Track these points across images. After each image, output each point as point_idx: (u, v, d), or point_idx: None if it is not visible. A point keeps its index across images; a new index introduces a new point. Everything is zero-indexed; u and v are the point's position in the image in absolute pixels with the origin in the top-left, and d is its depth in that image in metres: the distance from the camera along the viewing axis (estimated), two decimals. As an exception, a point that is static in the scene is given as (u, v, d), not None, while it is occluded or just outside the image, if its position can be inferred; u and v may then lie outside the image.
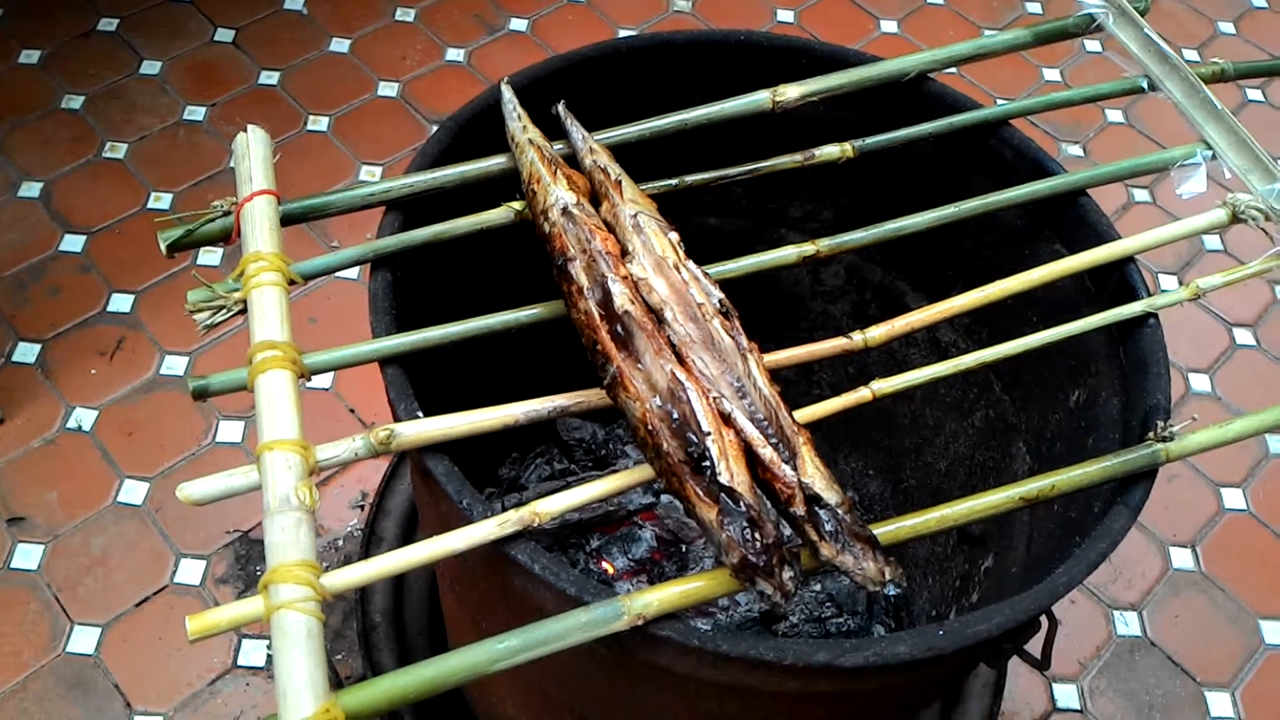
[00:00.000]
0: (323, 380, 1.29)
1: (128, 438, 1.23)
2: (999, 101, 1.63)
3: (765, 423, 0.55)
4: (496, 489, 1.04)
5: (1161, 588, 1.22)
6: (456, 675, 0.49)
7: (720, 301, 0.59)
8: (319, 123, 1.52)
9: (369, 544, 0.98)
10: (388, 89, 1.56)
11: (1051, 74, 1.69)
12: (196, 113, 1.51)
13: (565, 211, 0.60)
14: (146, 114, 1.50)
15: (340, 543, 1.15)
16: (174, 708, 1.06)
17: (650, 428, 0.54)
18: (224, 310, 0.59)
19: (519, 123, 0.66)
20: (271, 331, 0.57)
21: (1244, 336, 1.43)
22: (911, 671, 0.55)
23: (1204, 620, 1.20)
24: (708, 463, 0.52)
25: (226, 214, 0.62)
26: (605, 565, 0.99)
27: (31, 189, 1.41)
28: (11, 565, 1.13)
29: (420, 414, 0.58)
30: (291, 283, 0.61)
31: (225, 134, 1.48)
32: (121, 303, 1.32)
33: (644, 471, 0.57)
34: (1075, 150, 1.59)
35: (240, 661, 1.09)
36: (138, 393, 1.26)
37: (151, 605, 1.12)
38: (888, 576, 0.51)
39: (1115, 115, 1.64)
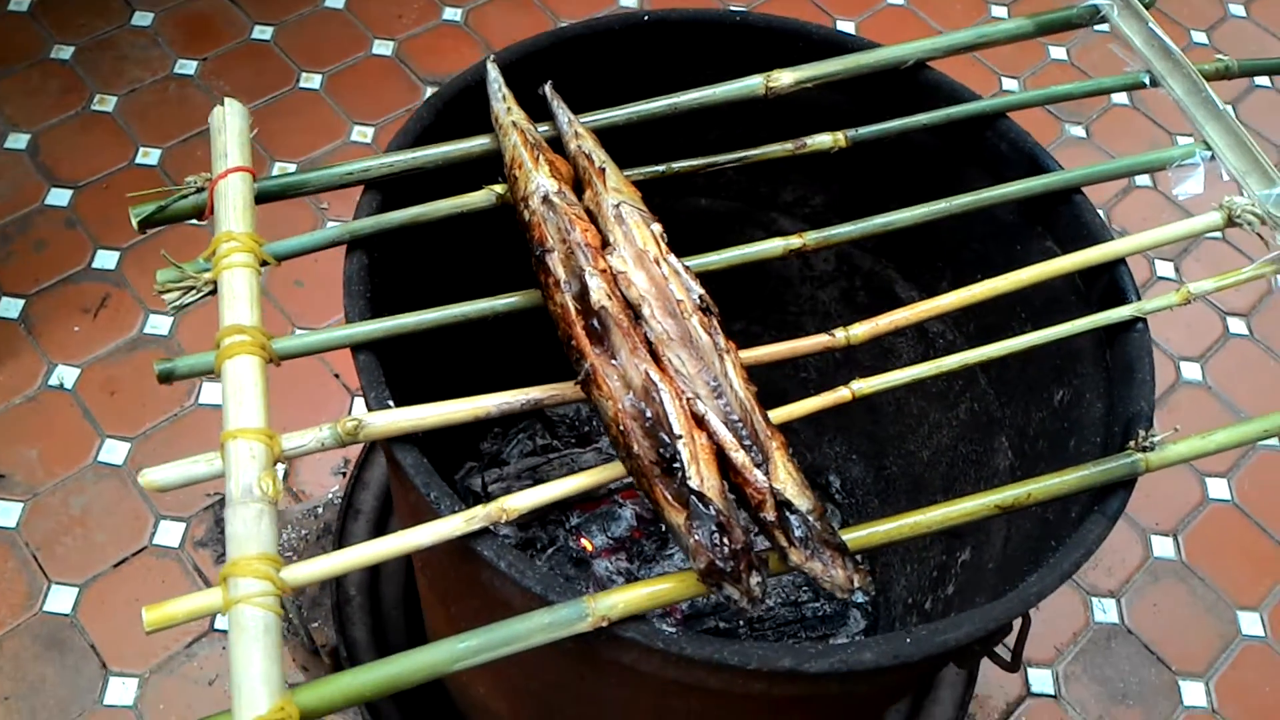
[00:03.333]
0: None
1: (110, 397, 1.22)
2: (1002, 80, 1.61)
3: (739, 424, 0.54)
4: (477, 463, 1.03)
5: (1141, 576, 1.22)
6: (416, 674, 0.49)
7: (700, 298, 0.57)
8: (312, 80, 1.49)
9: (345, 517, 0.97)
10: (382, 47, 1.54)
11: (1058, 52, 1.66)
12: (188, 67, 1.48)
13: (546, 200, 0.59)
14: (137, 66, 1.48)
15: (320, 510, 1.15)
16: (150, 669, 1.06)
17: (622, 427, 0.53)
18: (194, 291, 0.58)
19: (503, 104, 0.65)
20: (240, 315, 0.56)
21: (1237, 326, 1.41)
22: (878, 678, 0.54)
23: (1182, 609, 1.20)
24: (678, 465, 0.51)
25: (200, 190, 0.61)
26: (584, 543, 0.99)
27: (18, 140, 1.39)
28: (-10, 523, 1.12)
29: (391, 404, 0.57)
30: (264, 264, 0.59)
31: (216, 89, 1.46)
32: (107, 259, 1.31)
33: (615, 469, 0.56)
34: (1078, 131, 1.57)
35: (218, 625, 1.09)
36: (121, 351, 1.25)
37: (130, 566, 1.12)
38: (856, 584, 0.51)
39: (1120, 98, 1.62)
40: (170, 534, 1.14)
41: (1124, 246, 0.66)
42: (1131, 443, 0.59)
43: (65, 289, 1.29)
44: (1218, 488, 1.29)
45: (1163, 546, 1.24)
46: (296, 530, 1.12)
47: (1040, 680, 1.14)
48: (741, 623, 0.94)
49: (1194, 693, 1.15)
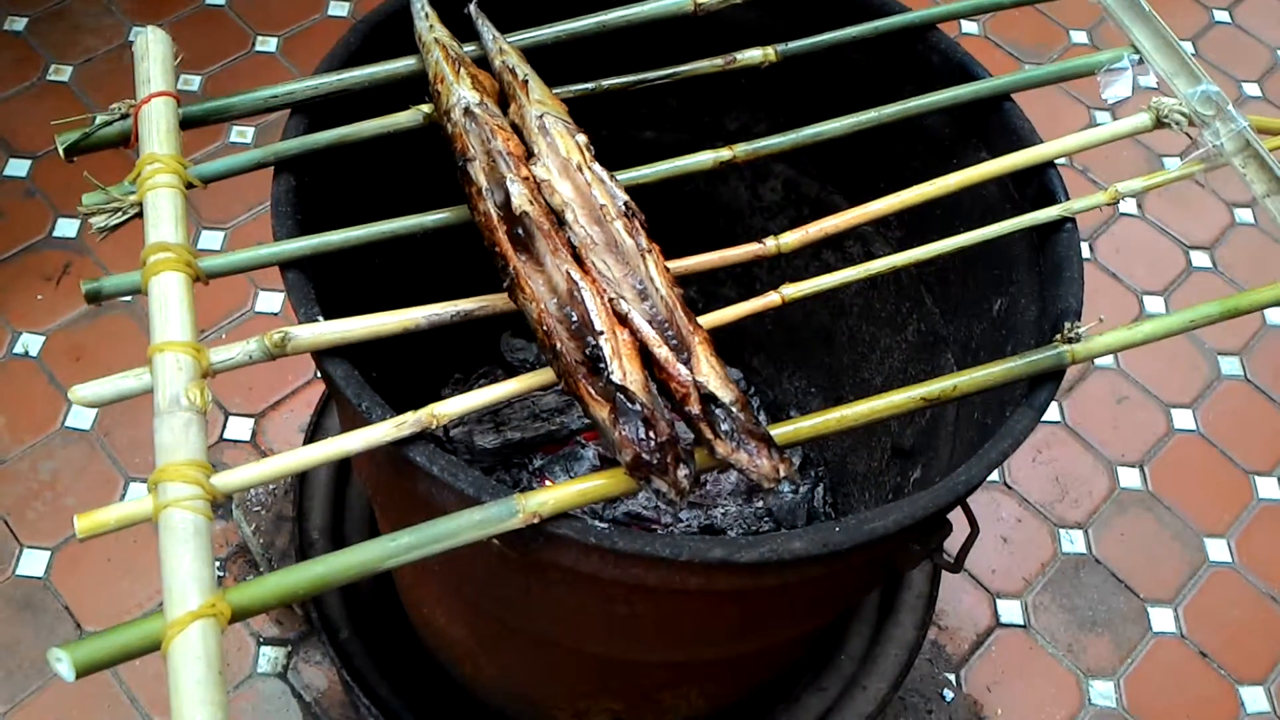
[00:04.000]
0: (272, 304, 1.28)
1: (75, 362, 1.22)
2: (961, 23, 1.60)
3: (664, 323, 0.54)
4: (439, 409, 1.04)
5: (1108, 506, 1.23)
6: (347, 572, 0.49)
7: (625, 204, 0.58)
8: (267, 43, 1.49)
9: (307, 462, 0.97)
10: (338, 8, 1.53)
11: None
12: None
13: (467, 111, 0.59)
14: (91, 35, 1.47)
15: (287, 465, 1.15)
16: (124, 628, 1.07)
17: (546, 328, 0.53)
18: (120, 213, 0.58)
19: (426, 22, 0.65)
20: (165, 234, 0.56)
21: (1200, 259, 1.42)
22: (810, 567, 0.55)
23: (1149, 538, 1.21)
24: (602, 363, 0.51)
25: (125, 116, 0.61)
26: (548, 483, 0.99)
27: (-26, 113, 1.38)
28: (-42, 491, 1.13)
29: (320, 318, 0.57)
30: (190, 186, 0.59)
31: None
32: (67, 228, 1.31)
33: (546, 375, 0.57)
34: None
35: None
36: (84, 318, 1.25)
37: (100, 528, 1.12)
38: (782, 473, 0.51)
39: (1080, 37, 1.62)
40: (140, 494, 1.14)
41: (1052, 149, 0.66)
42: (1058, 335, 0.59)
43: (27, 258, 1.29)
44: (1183, 418, 1.30)
45: (1129, 477, 1.25)
46: (265, 484, 1.13)
47: (1009, 610, 1.16)
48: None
49: (1163, 618, 1.16)
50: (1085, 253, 1.41)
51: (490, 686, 0.86)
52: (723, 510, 0.97)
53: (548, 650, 0.70)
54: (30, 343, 1.23)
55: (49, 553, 1.10)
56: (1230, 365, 1.34)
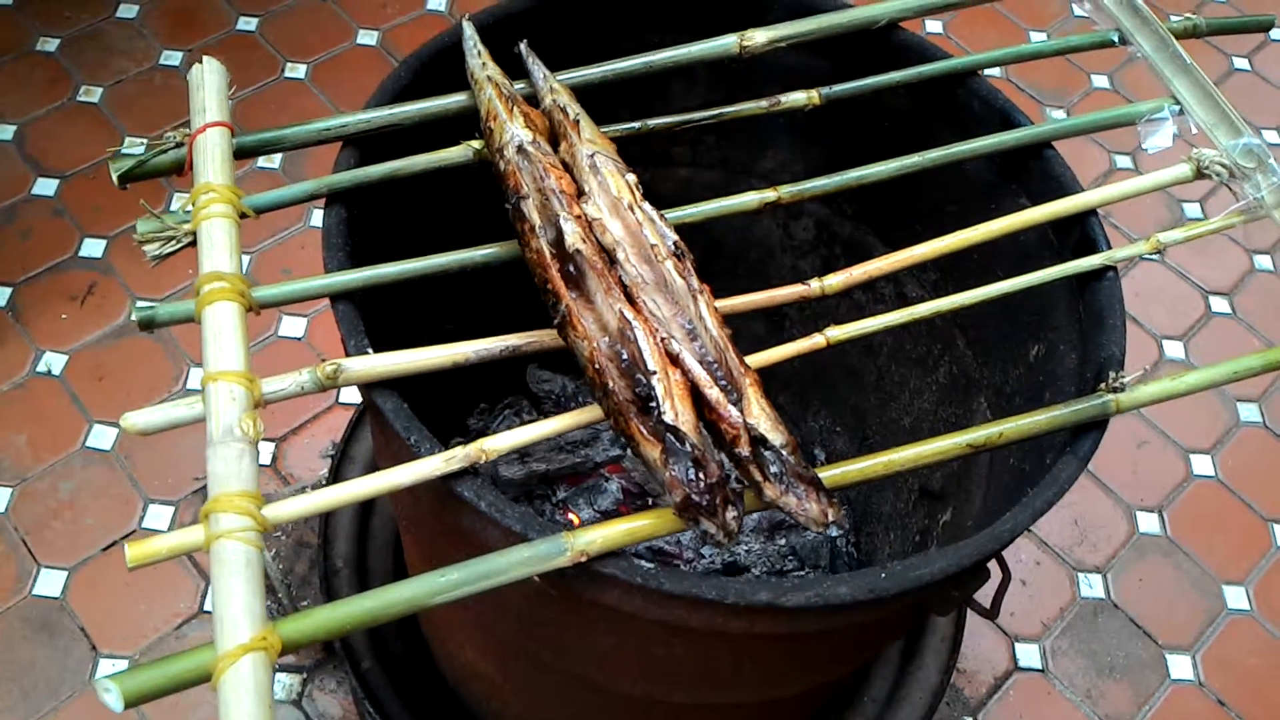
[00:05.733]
0: (295, 329, 1.28)
1: (98, 383, 1.23)
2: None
3: (714, 364, 0.55)
4: (464, 439, 1.04)
5: (1127, 551, 1.23)
6: (396, 607, 0.49)
7: (675, 244, 0.58)
8: (297, 70, 1.50)
9: (333, 489, 0.97)
10: (367, 37, 1.55)
11: (1038, 36, 1.68)
12: (173, 57, 1.49)
13: (520, 149, 0.59)
14: (122, 58, 1.49)
15: (308, 490, 1.15)
16: (139, 651, 1.06)
17: (598, 366, 0.53)
18: (174, 241, 0.58)
19: (478, 59, 0.65)
20: (220, 263, 0.56)
21: (1220, 305, 1.43)
22: (854, 613, 0.55)
23: (1168, 584, 1.21)
24: (654, 402, 0.52)
25: (179, 145, 0.62)
26: (571, 516, 0.99)
27: (5, 132, 1.39)
28: (-22, 507, 1.13)
29: (370, 350, 0.57)
30: (244, 216, 0.60)
31: (201, 80, 1.47)
32: (93, 248, 1.32)
33: (593, 411, 0.57)
34: (1059, 114, 1.59)
35: (207, 607, 1.09)
36: (108, 338, 1.26)
37: (119, 550, 1.12)
38: (830, 518, 0.51)
39: (1100, 81, 1.63)
40: (159, 518, 1.15)
41: (1094, 198, 0.67)
42: (1102, 385, 0.59)
43: (52, 277, 1.29)
44: (1202, 464, 1.30)
45: (1148, 523, 1.25)
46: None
47: (1027, 655, 1.15)
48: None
49: (1180, 666, 1.16)
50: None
51: (515, 722, 0.85)
52: (746, 548, 0.97)
53: (579, 689, 0.70)
54: (54, 362, 1.23)
55: (66, 573, 1.10)
56: (1249, 412, 1.34)
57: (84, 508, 1.14)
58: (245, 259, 1.32)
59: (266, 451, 1.20)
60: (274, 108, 1.45)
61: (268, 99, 1.46)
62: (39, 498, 1.14)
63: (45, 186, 1.36)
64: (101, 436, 1.19)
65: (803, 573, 0.95)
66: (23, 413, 1.19)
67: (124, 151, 0.61)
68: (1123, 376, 0.59)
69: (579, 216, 0.57)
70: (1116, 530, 1.24)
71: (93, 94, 1.44)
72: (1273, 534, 1.25)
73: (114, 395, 1.22)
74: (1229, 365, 0.61)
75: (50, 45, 1.48)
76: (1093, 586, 1.20)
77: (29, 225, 1.32)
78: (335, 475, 0.99)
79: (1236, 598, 1.20)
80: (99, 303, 1.28)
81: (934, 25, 1.67)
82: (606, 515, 0.99)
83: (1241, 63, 1.68)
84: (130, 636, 1.07)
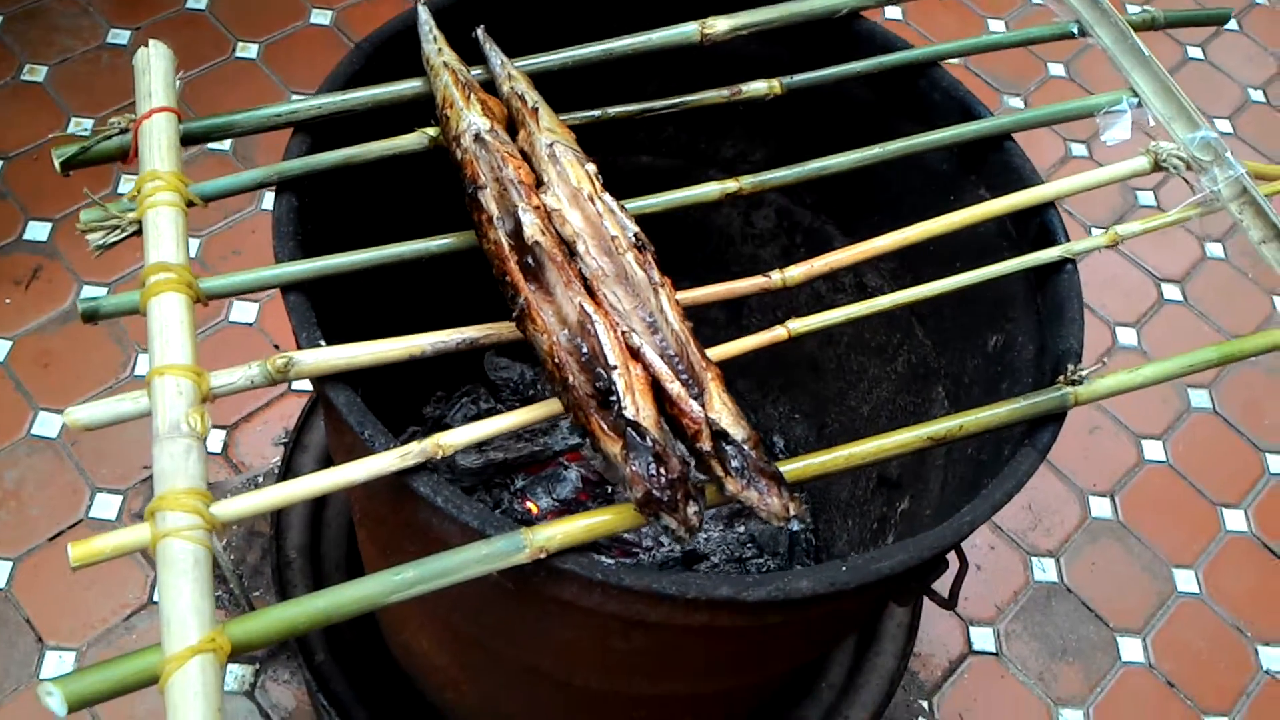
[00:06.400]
0: (246, 314, 1.26)
1: (43, 369, 1.19)
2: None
3: (675, 358, 0.54)
4: (420, 427, 1.03)
5: (1079, 536, 1.24)
6: (350, 606, 0.48)
7: (635, 235, 0.57)
8: (248, 49, 1.47)
9: (284, 480, 0.96)
10: (320, 16, 1.52)
11: (996, 25, 1.68)
12: (120, 36, 1.45)
13: (477, 138, 0.58)
14: (68, 36, 1.44)
15: (260, 479, 1.13)
16: (87, 643, 1.04)
17: (557, 360, 0.52)
18: (118, 230, 0.56)
19: (434, 45, 0.64)
20: (166, 253, 0.55)
21: (1172, 292, 1.45)
22: (816, 606, 0.55)
23: (1119, 568, 1.23)
24: (614, 396, 0.51)
25: (124, 131, 0.60)
26: (529, 505, 0.98)
27: (-56, 110, 1.35)
28: (-80, 497, 1.10)
29: (323, 342, 0.56)
30: (191, 204, 0.58)
31: (149, 58, 1.43)
32: (38, 230, 1.28)
33: (552, 405, 0.56)
34: (1016, 102, 1.60)
35: (155, 597, 1.07)
36: (54, 323, 1.22)
37: (65, 539, 1.10)
38: (792, 512, 0.51)
39: (1057, 69, 1.64)
40: (107, 507, 1.12)
41: (1053, 190, 0.67)
42: (1061, 377, 0.60)
43: (-4, 261, 1.26)
44: (1153, 449, 1.32)
45: (1100, 507, 1.27)
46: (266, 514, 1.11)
47: (982, 638, 1.16)
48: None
49: (1131, 648, 1.18)
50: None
51: (472, 715, 0.85)
52: (706, 535, 0.97)
53: (536, 680, 0.69)
54: (-3, 348, 1.20)
55: (11, 563, 1.08)
56: (1200, 398, 1.36)
57: (29, 497, 1.12)
58: (195, 242, 1.30)
59: (218, 439, 1.18)
60: (224, 88, 1.42)
61: (218, 79, 1.43)
62: (-18, 487, 1.12)
63: (-12, 167, 1.32)
64: (47, 424, 1.16)
65: (761, 560, 0.95)
66: (-35, 400, 1.16)
67: (70, 133, 0.59)
68: (1081, 370, 0.59)
69: (538, 207, 0.56)
70: (1069, 515, 1.26)
71: (37, 73, 1.40)
72: (1221, 518, 1.27)
73: (60, 382, 1.19)
74: (1185, 359, 0.61)
75: (-8, 22, 1.44)
76: (1046, 571, 1.21)
77: (-30, 207, 1.29)
78: (288, 464, 0.98)
79: (1186, 581, 1.23)
80: (44, 287, 1.25)
81: (894, 12, 1.67)
82: (566, 504, 0.98)
83: (1195, 52, 1.70)
84: (77, 628, 1.05)
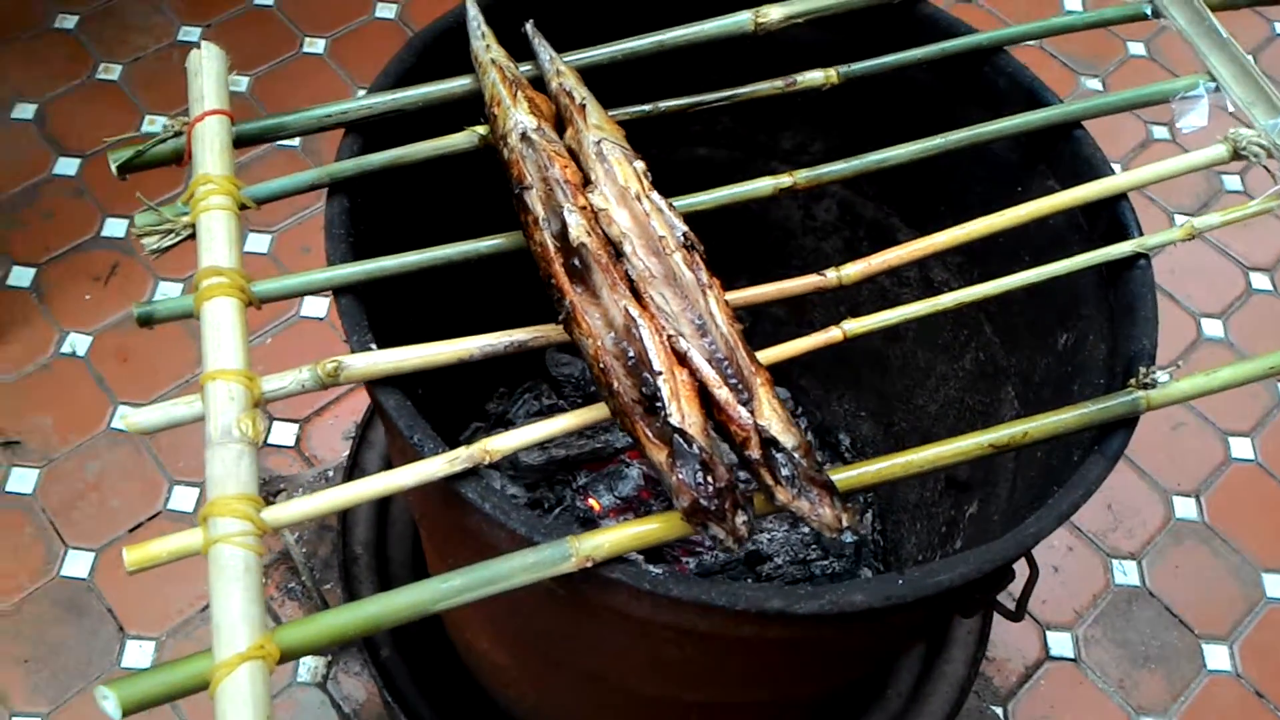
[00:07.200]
0: (318, 309, 1.28)
1: (122, 364, 1.23)
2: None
3: (724, 361, 0.53)
4: (484, 424, 1.03)
5: (1163, 537, 1.20)
6: (398, 614, 0.48)
7: (684, 235, 0.56)
8: (315, 45, 1.48)
9: (350, 476, 0.97)
10: (385, 10, 1.53)
11: (1073, 2, 1.62)
12: (191, 33, 1.48)
13: (524, 136, 0.57)
14: (141, 34, 1.48)
15: (331, 474, 1.15)
16: (166, 632, 1.07)
17: (603, 365, 0.52)
18: (172, 234, 0.57)
19: (482, 41, 0.63)
20: (219, 257, 0.55)
21: (1260, 281, 1.38)
22: (871, 620, 0.53)
23: (1205, 571, 1.18)
24: (659, 403, 0.50)
25: (178, 134, 0.60)
26: (591, 502, 0.98)
27: (25, 110, 1.39)
28: (6, 489, 1.13)
29: (373, 345, 0.56)
30: (244, 207, 0.59)
31: (222, 57, 1.46)
32: (115, 228, 1.31)
33: (600, 410, 0.55)
34: (1094, 84, 1.54)
35: (229, 589, 1.09)
36: (131, 319, 1.25)
37: (145, 531, 1.13)
38: (844, 523, 0.49)
39: (1137, 48, 1.58)
40: (184, 499, 1.15)
41: (1125, 181, 0.64)
42: (1132, 380, 0.57)
43: (75, 257, 1.29)
44: (1241, 447, 1.26)
45: (1184, 507, 1.22)
46: (308, 493, 1.12)
47: (1060, 643, 1.13)
48: (750, 580, 0.93)
49: (1217, 656, 1.13)
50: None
51: (532, 713, 0.85)
52: (769, 535, 0.95)
53: (593, 684, 0.69)
54: (78, 342, 1.23)
55: (93, 554, 1.11)
56: (1292, 392, 1.30)
57: (110, 489, 1.15)
58: (266, 238, 1.32)
59: (290, 433, 1.20)
60: (292, 84, 1.44)
61: (286, 74, 1.45)
62: (65, 479, 1.15)
63: (67, 166, 1.35)
64: (126, 418, 1.19)
65: (826, 562, 0.93)
66: (49, 394, 1.20)
67: (127, 135, 0.60)
68: (1154, 372, 0.56)
69: (584, 208, 0.55)
70: (1152, 516, 1.21)
71: (112, 71, 1.44)
72: (1314, 519, 1.21)
73: (138, 376, 1.22)
74: (1267, 360, 0.58)
75: (69, 22, 1.48)
76: (1127, 574, 1.17)
77: (51, 206, 1.32)
78: (354, 460, 0.99)
79: (1276, 585, 1.17)
80: (122, 283, 1.28)
81: (966, -9, 1.62)
82: (628, 502, 0.98)
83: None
84: (156, 618, 1.08)
